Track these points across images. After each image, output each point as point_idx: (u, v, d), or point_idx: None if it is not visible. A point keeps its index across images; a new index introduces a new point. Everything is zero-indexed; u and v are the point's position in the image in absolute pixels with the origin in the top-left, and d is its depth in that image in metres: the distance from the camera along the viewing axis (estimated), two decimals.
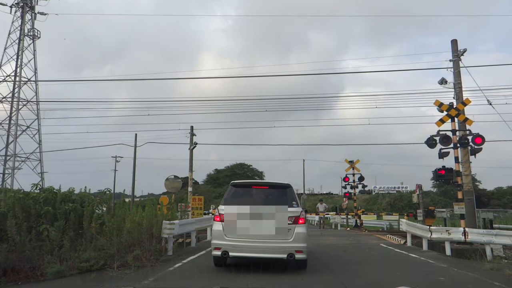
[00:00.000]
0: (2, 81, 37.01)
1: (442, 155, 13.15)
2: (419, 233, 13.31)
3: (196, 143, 27.00)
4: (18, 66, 38.45)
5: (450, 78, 15.03)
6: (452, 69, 15.05)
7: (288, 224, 7.63)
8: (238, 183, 8.72)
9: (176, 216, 12.73)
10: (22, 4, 39.13)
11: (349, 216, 26.95)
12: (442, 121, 13.49)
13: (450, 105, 13.53)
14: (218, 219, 7.91)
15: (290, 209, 7.75)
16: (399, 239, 15.69)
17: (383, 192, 69.49)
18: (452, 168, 13.15)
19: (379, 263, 10.19)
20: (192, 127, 27.17)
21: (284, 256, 7.53)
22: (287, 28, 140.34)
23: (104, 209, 10.38)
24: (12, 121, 37.71)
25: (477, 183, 57.05)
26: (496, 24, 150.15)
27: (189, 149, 26.96)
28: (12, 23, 39.20)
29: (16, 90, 37.89)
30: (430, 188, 60.35)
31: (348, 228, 25.18)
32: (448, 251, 11.71)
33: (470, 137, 13.15)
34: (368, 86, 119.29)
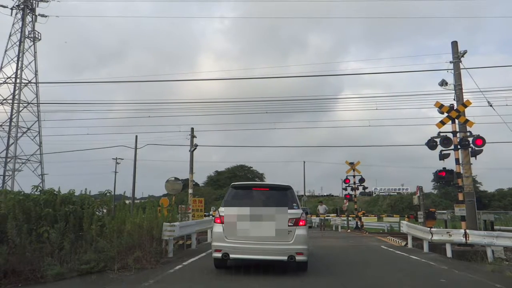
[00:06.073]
0: (3, 83, 37.06)
1: (442, 156, 13.14)
2: (419, 235, 13.29)
3: (197, 145, 27.01)
4: (19, 68, 38.50)
5: (450, 79, 15.07)
6: (452, 71, 15.08)
7: (289, 226, 7.62)
8: (239, 185, 8.73)
9: (176, 218, 12.74)
10: (22, 6, 39.21)
11: (349, 218, 26.91)
12: (442, 122, 13.47)
13: (451, 107, 13.51)
14: (218, 221, 7.90)
15: (290, 211, 7.75)
16: (399, 241, 15.66)
17: (383, 193, 69.32)
18: (453, 170, 13.13)
19: (380, 265, 10.17)
20: (192, 128, 27.20)
21: (285, 258, 7.51)
22: (286, 29, 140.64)
23: (105, 211, 10.36)
24: (12, 123, 37.72)
25: (478, 185, 56.92)
26: (497, 25, 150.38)
27: (189, 151, 26.96)
28: (13, 25, 39.29)
29: (17, 92, 37.93)
30: (431, 190, 60.35)
31: (349, 230, 25.14)
32: (449, 253, 11.70)
33: (470, 139, 13.13)
34: (368, 88, 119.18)
